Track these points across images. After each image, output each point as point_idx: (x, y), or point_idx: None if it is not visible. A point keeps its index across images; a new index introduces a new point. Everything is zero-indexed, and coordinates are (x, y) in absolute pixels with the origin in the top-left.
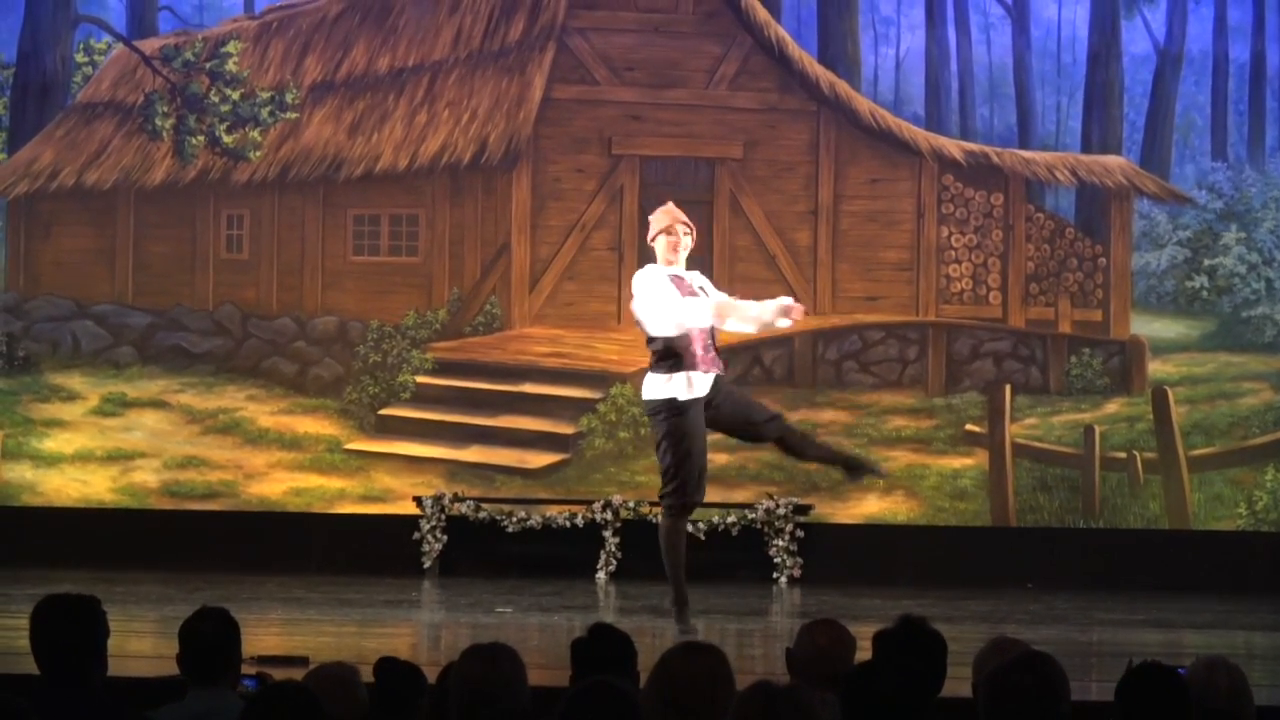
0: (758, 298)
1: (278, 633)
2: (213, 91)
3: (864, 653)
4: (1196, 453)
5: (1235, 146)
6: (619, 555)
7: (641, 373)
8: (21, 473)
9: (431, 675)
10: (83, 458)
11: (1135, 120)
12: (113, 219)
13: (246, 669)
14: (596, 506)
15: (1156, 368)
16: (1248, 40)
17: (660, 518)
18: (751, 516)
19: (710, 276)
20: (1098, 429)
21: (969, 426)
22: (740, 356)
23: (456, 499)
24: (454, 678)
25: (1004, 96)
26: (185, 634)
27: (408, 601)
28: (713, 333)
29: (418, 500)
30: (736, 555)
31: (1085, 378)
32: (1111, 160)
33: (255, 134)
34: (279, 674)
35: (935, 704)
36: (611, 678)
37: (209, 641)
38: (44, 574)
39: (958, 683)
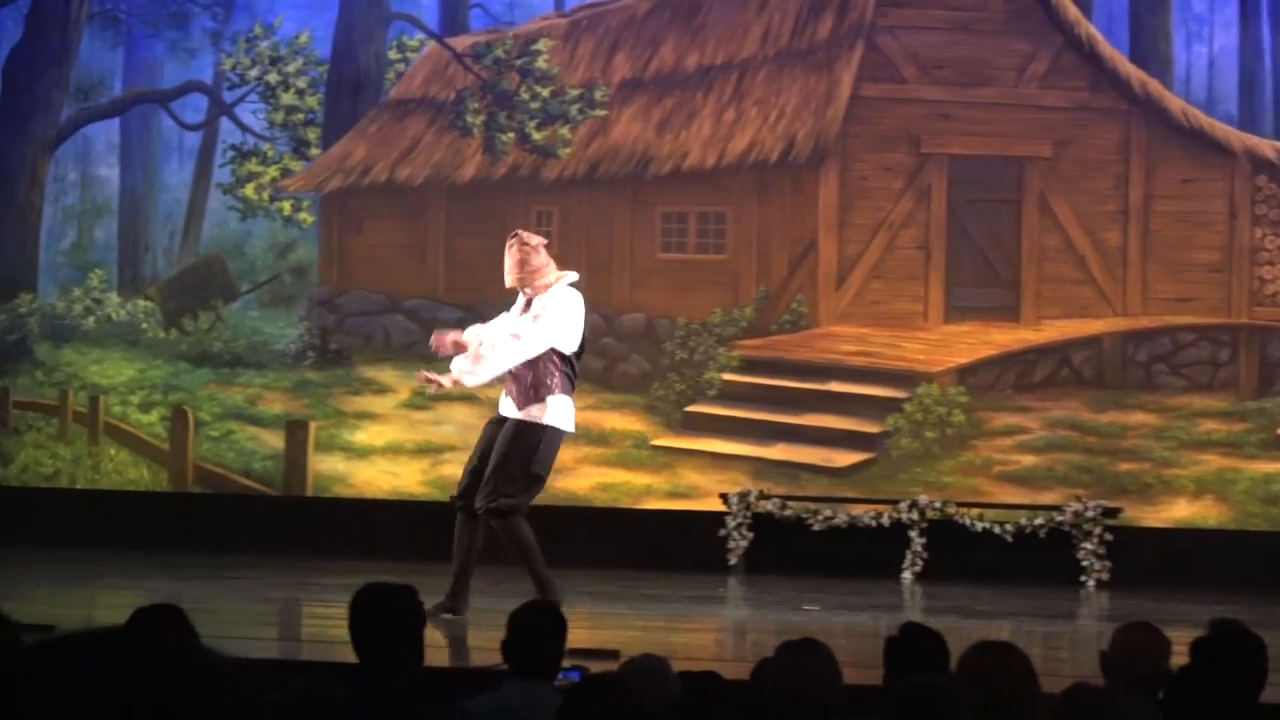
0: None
1: (586, 626)
2: (523, 89)
3: (1175, 657)
4: None
5: None
6: (925, 556)
7: (949, 373)
8: (333, 464)
9: (738, 672)
10: (393, 450)
11: None
12: (423, 214)
13: (565, 662)
14: (903, 506)
15: None
16: None
17: (502, 521)
18: (1059, 519)
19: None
20: None
21: None
22: (1049, 358)
23: (762, 496)
24: (771, 672)
25: None
26: (513, 624)
27: (713, 598)
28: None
29: (724, 497)
30: (1043, 558)
31: None
32: None
33: (565, 131)
34: (591, 667)
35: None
36: (935, 677)
37: (535, 634)
38: (353, 564)
39: (1276, 689)
